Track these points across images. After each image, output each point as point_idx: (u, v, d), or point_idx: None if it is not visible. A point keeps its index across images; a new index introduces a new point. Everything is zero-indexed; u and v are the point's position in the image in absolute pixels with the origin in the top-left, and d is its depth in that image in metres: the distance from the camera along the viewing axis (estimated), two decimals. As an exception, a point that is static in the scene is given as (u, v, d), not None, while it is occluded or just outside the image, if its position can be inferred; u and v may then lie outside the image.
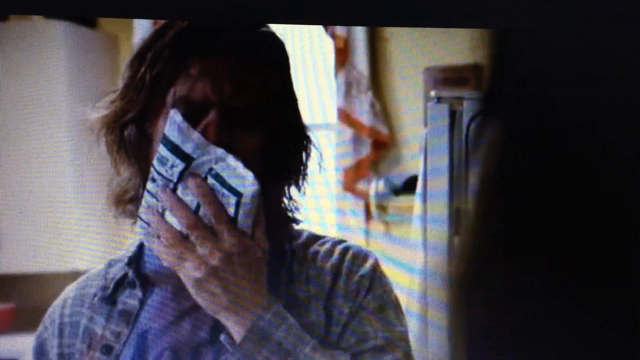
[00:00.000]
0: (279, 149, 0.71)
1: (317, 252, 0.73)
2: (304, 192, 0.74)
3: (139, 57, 0.69)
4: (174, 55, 0.68)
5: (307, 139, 0.75)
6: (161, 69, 0.68)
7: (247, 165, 0.65)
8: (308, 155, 0.74)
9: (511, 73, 0.65)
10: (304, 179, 0.74)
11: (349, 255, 0.73)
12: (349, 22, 0.98)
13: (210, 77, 0.67)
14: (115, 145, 0.71)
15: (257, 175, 0.65)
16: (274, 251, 0.69)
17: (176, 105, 0.67)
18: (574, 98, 0.63)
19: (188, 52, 0.68)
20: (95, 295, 0.72)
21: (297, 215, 0.74)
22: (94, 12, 0.81)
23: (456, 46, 1.23)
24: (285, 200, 0.74)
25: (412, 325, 0.97)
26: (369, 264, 0.73)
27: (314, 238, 0.75)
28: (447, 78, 1.29)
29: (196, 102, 0.67)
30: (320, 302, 0.70)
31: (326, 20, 0.91)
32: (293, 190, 0.74)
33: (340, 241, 0.75)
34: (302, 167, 0.74)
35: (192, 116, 0.66)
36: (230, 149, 0.66)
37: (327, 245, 0.74)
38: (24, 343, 0.94)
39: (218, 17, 0.74)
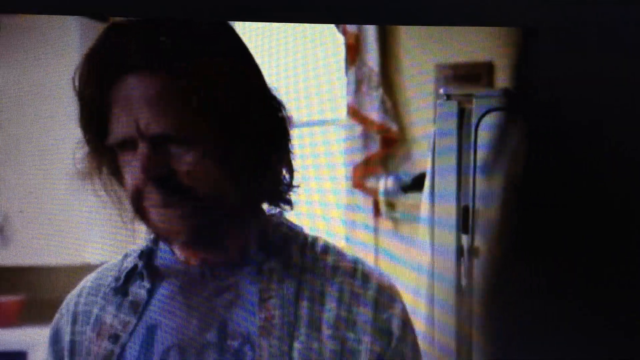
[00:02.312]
0: (240, 148, 0.67)
1: (335, 269, 0.71)
2: (292, 180, 0.71)
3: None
4: (90, 86, 0.65)
5: (275, 121, 0.69)
6: (86, 110, 0.65)
7: (200, 180, 0.64)
8: (280, 137, 0.69)
9: (535, 72, 0.64)
10: (285, 162, 0.70)
11: (373, 283, 0.70)
12: (361, 21, 0.97)
13: (126, 105, 0.64)
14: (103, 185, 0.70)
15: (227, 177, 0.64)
16: (284, 262, 0.69)
17: (115, 148, 0.65)
18: (600, 99, 0.62)
19: (103, 73, 0.64)
20: (109, 285, 0.73)
21: (290, 196, 0.71)
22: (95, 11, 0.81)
23: (468, 43, 1.22)
24: (274, 182, 0.71)
25: (419, 326, 0.97)
26: (399, 307, 0.70)
27: (327, 250, 0.72)
28: (458, 75, 1.29)
29: (125, 140, 0.64)
30: (331, 328, 0.68)
31: (336, 19, 0.90)
32: (279, 173, 0.70)
33: (358, 260, 0.72)
34: (276, 149, 0.70)
35: (127, 151, 0.65)
36: (169, 178, 0.64)
37: (345, 264, 0.71)
38: (33, 335, 0.95)
39: (225, 16, 0.73)
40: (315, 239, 0.72)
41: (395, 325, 0.69)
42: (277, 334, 0.67)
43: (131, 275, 0.72)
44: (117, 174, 0.68)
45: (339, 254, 0.72)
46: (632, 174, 0.63)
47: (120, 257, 0.75)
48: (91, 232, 0.95)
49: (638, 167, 0.63)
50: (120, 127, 0.64)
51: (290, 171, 0.70)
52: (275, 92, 0.69)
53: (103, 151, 0.67)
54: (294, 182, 0.71)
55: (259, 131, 0.67)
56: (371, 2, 0.75)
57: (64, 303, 0.75)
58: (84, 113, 0.66)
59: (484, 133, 0.91)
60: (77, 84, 0.65)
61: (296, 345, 0.66)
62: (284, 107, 0.69)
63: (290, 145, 0.69)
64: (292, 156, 0.70)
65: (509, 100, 0.73)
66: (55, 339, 0.74)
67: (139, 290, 0.71)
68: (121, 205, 0.70)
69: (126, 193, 0.68)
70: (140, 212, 0.67)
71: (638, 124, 0.63)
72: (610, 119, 0.63)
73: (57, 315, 0.75)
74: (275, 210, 0.72)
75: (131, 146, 0.64)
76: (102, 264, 0.77)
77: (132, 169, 0.65)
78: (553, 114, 0.63)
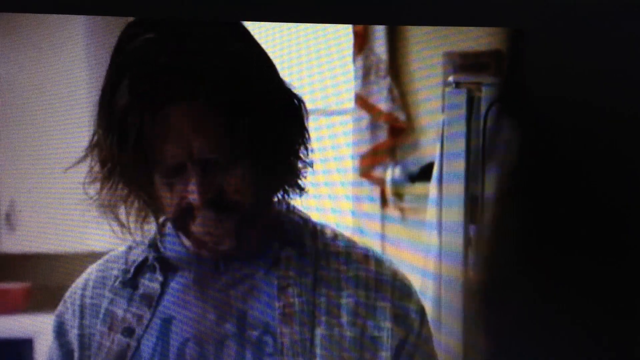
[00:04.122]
0: (272, 160, 0.69)
1: (348, 256, 0.71)
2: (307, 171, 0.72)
3: (103, 121, 0.67)
4: (134, 115, 0.64)
5: (301, 132, 0.72)
6: (127, 140, 0.65)
7: (245, 193, 0.66)
8: (299, 131, 0.72)
9: (527, 70, 0.63)
10: (300, 152, 0.72)
11: (387, 271, 0.71)
12: (367, 21, 0.96)
13: (175, 134, 0.65)
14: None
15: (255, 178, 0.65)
16: (299, 250, 0.69)
17: (154, 168, 0.66)
18: (593, 96, 0.61)
19: (148, 107, 0.65)
20: (116, 278, 0.72)
21: (300, 183, 0.72)
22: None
23: (476, 31, 1.21)
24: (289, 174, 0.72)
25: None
26: (415, 294, 0.72)
27: (338, 237, 0.73)
28: (466, 64, 1.27)
29: (170, 163, 0.65)
30: (351, 315, 0.69)
31: (341, 19, 0.89)
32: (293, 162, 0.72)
33: (369, 247, 0.73)
34: (295, 143, 0.72)
35: (173, 175, 0.65)
36: (221, 197, 0.65)
37: (358, 251, 0.72)
38: (39, 323, 0.95)
39: (231, 16, 0.73)
40: (323, 227, 0.73)
41: (414, 314, 0.70)
42: (298, 321, 0.67)
43: (141, 267, 0.72)
44: (149, 198, 0.69)
45: (349, 240, 0.72)
46: (628, 170, 0.62)
47: (123, 248, 0.75)
48: (97, 219, 0.94)
49: (633, 163, 0.62)
50: (170, 154, 0.65)
51: (303, 159, 0.71)
52: (291, 86, 0.71)
53: (141, 179, 0.67)
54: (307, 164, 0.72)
55: (285, 131, 0.69)
56: (370, 2, 0.74)
57: (68, 295, 0.74)
58: (128, 145, 0.65)
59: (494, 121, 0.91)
60: (117, 114, 0.65)
61: (317, 332, 0.67)
62: (302, 101, 0.71)
63: (306, 137, 0.71)
64: (306, 145, 0.71)
65: (505, 92, 0.72)
66: (60, 331, 0.73)
67: (151, 283, 0.71)
68: (128, 230, 0.70)
69: (154, 214, 0.69)
70: (183, 229, 0.68)
71: (633, 120, 0.62)
72: (605, 117, 0.62)
73: (61, 307, 0.74)
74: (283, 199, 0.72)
75: (179, 170, 0.65)
76: (107, 252, 0.76)
77: (180, 192, 0.66)
78: (546, 110, 0.62)
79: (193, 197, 0.66)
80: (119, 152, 0.67)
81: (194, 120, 0.65)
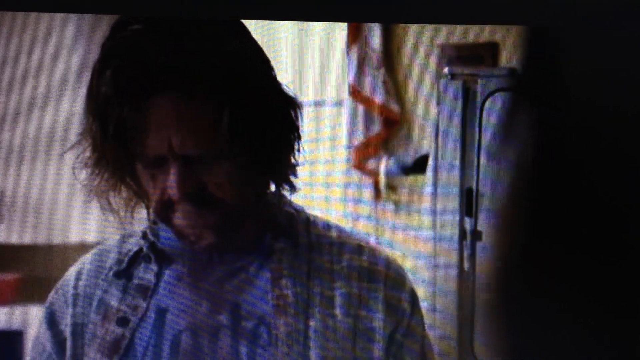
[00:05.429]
0: (259, 156, 0.68)
1: (341, 246, 0.71)
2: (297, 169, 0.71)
3: (89, 109, 0.66)
4: (115, 105, 0.64)
5: (290, 125, 0.70)
6: (108, 130, 0.64)
7: (228, 190, 0.65)
8: (293, 131, 0.70)
9: (546, 65, 0.63)
10: (294, 150, 0.71)
11: (381, 261, 0.71)
12: (363, 19, 0.96)
13: (155, 127, 0.64)
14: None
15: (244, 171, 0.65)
16: (293, 241, 0.69)
17: (136, 158, 0.65)
18: (613, 91, 0.60)
19: (128, 98, 0.64)
20: (110, 269, 0.72)
21: (295, 182, 0.72)
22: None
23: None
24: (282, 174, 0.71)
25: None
26: (408, 283, 0.71)
27: (331, 228, 0.73)
28: (461, 56, 1.27)
29: (151, 156, 0.65)
30: (344, 306, 0.69)
31: (337, 17, 0.89)
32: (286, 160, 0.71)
33: (362, 236, 0.73)
34: (288, 141, 0.70)
35: (155, 167, 0.65)
36: (201, 192, 0.65)
37: (351, 242, 0.72)
38: (30, 314, 0.94)
39: (226, 14, 0.72)
40: (316, 218, 0.73)
41: (406, 302, 0.70)
42: (292, 312, 0.67)
43: (135, 258, 0.72)
44: (137, 187, 0.68)
45: (342, 231, 0.72)
46: (629, 169, 0.62)
47: (116, 238, 0.74)
48: (88, 210, 0.94)
49: (634, 162, 0.62)
50: (151, 146, 0.64)
51: (296, 157, 0.71)
52: (285, 87, 0.70)
53: (125, 168, 0.67)
54: (298, 164, 0.71)
55: (274, 130, 0.68)
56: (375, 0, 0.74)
57: (60, 284, 0.74)
58: (109, 135, 0.65)
59: (490, 114, 0.90)
60: (99, 103, 0.64)
61: (311, 323, 0.67)
62: (297, 101, 0.70)
63: (299, 135, 0.70)
64: (300, 143, 0.70)
65: (517, 83, 0.71)
66: (52, 320, 0.73)
67: (145, 274, 0.71)
68: (119, 217, 0.70)
69: (144, 203, 0.69)
70: (166, 220, 0.67)
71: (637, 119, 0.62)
72: (622, 111, 0.62)
73: (52, 296, 0.74)
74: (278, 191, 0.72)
75: (160, 163, 0.64)
76: (98, 242, 0.76)
77: (161, 185, 0.65)
78: (565, 102, 0.62)
79: (172, 191, 0.65)
80: (101, 141, 0.66)
81: (175, 115, 0.64)
